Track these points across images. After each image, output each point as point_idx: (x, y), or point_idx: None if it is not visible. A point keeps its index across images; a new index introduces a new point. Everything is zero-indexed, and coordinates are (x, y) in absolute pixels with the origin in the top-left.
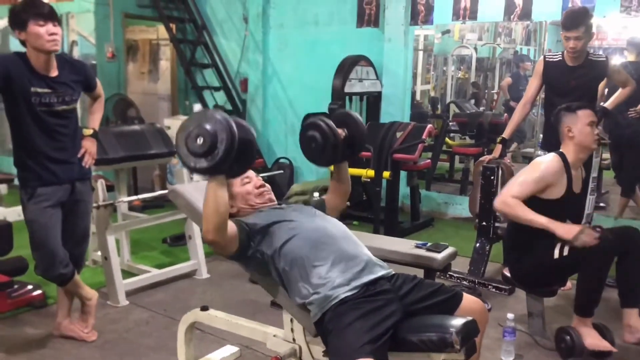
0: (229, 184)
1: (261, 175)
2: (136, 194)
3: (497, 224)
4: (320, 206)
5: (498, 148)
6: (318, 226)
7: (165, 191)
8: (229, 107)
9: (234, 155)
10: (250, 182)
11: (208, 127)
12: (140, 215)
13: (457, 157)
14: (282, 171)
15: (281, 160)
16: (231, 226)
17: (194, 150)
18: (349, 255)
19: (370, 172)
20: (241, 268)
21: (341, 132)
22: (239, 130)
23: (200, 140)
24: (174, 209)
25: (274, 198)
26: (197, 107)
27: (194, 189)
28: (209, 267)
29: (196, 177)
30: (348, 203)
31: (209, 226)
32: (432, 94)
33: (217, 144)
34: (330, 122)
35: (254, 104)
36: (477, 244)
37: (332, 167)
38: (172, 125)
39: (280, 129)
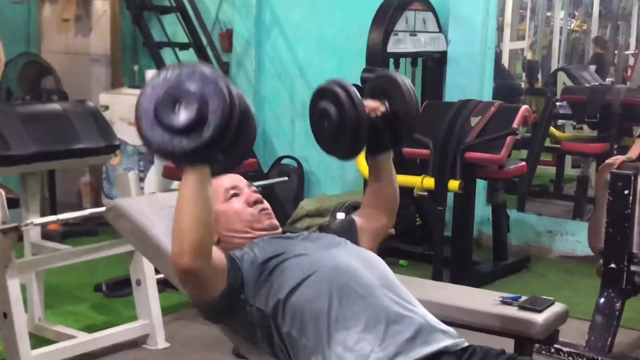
0: None
1: (254, 184)
2: (54, 212)
3: (633, 267)
4: (348, 230)
5: (638, 144)
6: (344, 265)
7: (101, 209)
8: None
9: (230, 134)
10: (239, 195)
11: (192, 87)
12: (60, 247)
13: (568, 158)
14: (286, 178)
15: (285, 162)
16: (216, 252)
17: (170, 123)
18: (394, 314)
19: (429, 182)
20: (218, 331)
21: (379, 106)
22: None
23: (180, 108)
24: (115, 237)
25: (276, 223)
26: (151, 74)
27: (147, 204)
28: (168, 330)
29: (148, 186)
30: (392, 230)
31: (184, 245)
32: (529, 56)
33: (207, 115)
34: (351, 87)
35: (242, 70)
36: (602, 300)
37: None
38: (112, 103)
39: (283, 111)
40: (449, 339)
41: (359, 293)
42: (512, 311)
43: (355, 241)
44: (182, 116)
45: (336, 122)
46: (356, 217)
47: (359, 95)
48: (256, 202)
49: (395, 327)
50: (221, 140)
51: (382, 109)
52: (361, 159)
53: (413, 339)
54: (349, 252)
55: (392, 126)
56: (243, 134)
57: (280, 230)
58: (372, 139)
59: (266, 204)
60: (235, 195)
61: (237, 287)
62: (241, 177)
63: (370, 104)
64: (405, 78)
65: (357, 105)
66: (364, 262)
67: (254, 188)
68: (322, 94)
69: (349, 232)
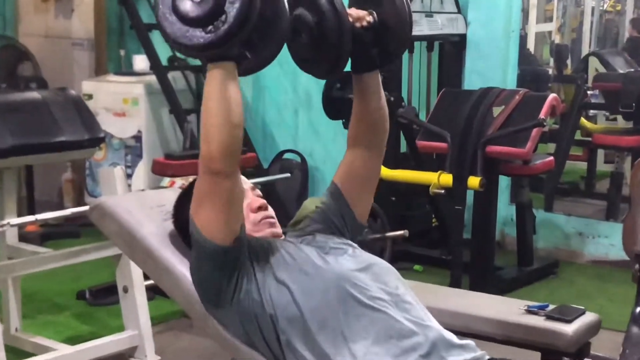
0: None
1: (252, 181)
2: (32, 212)
3: None
4: (336, 207)
5: None
6: (351, 276)
7: (84, 208)
8: (195, 62)
9: (252, 23)
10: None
11: None
12: (39, 250)
13: (601, 153)
14: (288, 174)
15: (287, 156)
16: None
17: (185, 12)
18: (406, 328)
19: (446, 179)
20: (213, 343)
21: (365, 15)
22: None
23: None
24: (99, 239)
25: (279, 232)
26: (139, 59)
27: (135, 203)
28: (158, 341)
29: (137, 182)
30: (406, 232)
31: (212, 147)
32: (558, 39)
33: (224, 5)
34: None
35: None
36: (638, 309)
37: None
38: (97, 91)
39: (285, 101)
40: (467, 353)
41: (366, 305)
42: (539, 321)
43: (350, 214)
44: (198, 7)
45: (315, 32)
46: (338, 179)
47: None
48: (260, 208)
49: (408, 342)
50: (240, 33)
51: (369, 18)
52: None
53: (428, 354)
54: (356, 261)
55: (381, 40)
56: (271, 26)
57: (283, 238)
58: (357, 55)
59: (271, 212)
60: None
61: (246, 248)
62: (245, 179)
63: (355, 12)
64: None
65: (338, 11)
66: (372, 272)
67: (259, 192)
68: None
69: (338, 209)
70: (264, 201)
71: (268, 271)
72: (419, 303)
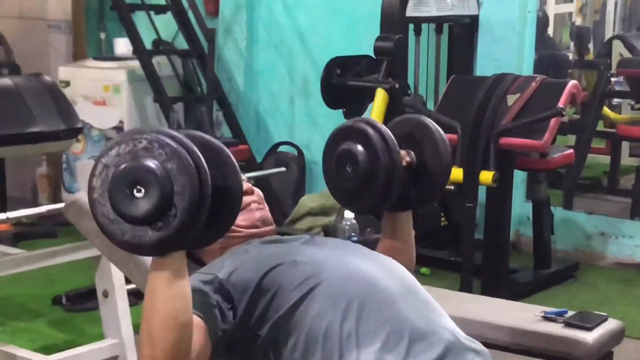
0: None
1: (244, 176)
2: (3, 210)
3: None
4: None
5: None
6: (356, 272)
7: (60, 205)
8: (183, 43)
9: (203, 217)
10: None
11: (152, 164)
12: (11, 251)
13: (625, 145)
14: (283, 169)
15: (282, 149)
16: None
17: (128, 212)
18: (418, 329)
19: (456, 173)
20: None
21: (404, 155)
22: (210, 166)
23: (139, 192)
24: (77, 239)
25: (269, 217)
26: (121, 43)
27: None
28: None
29: None
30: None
31: (157, 352)
32: (579, 21)
33: (172, 199)
34: (384, 128)
35: (231, 39)
36: None
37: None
38: (74, 78)
39: (280, 88)
40: (481, 359)
41: (375, 304)
42: (557, 329)
43: None
44: (142, 204)
45: (364, 168)
46: (381, 246)
47: (394, 138)
48: (245, 193)
49: (420, 345)
50: (194, 225)
51: (407, 158)
52: None
53: (442, 358)
54: (360, 256)
55: (417, 181)
56: (227, 199)
57: (274, 227)
58: None
59: (258, 195)
60: None
61: (223, 337)
62: None
63: None
64: (436, 125)
65: (392, 151)
66: (379, 267)
67: (244, 177)
68: (347, 133)
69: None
70: (249, 184)
71: (263, 300)
72: (431, 298)
